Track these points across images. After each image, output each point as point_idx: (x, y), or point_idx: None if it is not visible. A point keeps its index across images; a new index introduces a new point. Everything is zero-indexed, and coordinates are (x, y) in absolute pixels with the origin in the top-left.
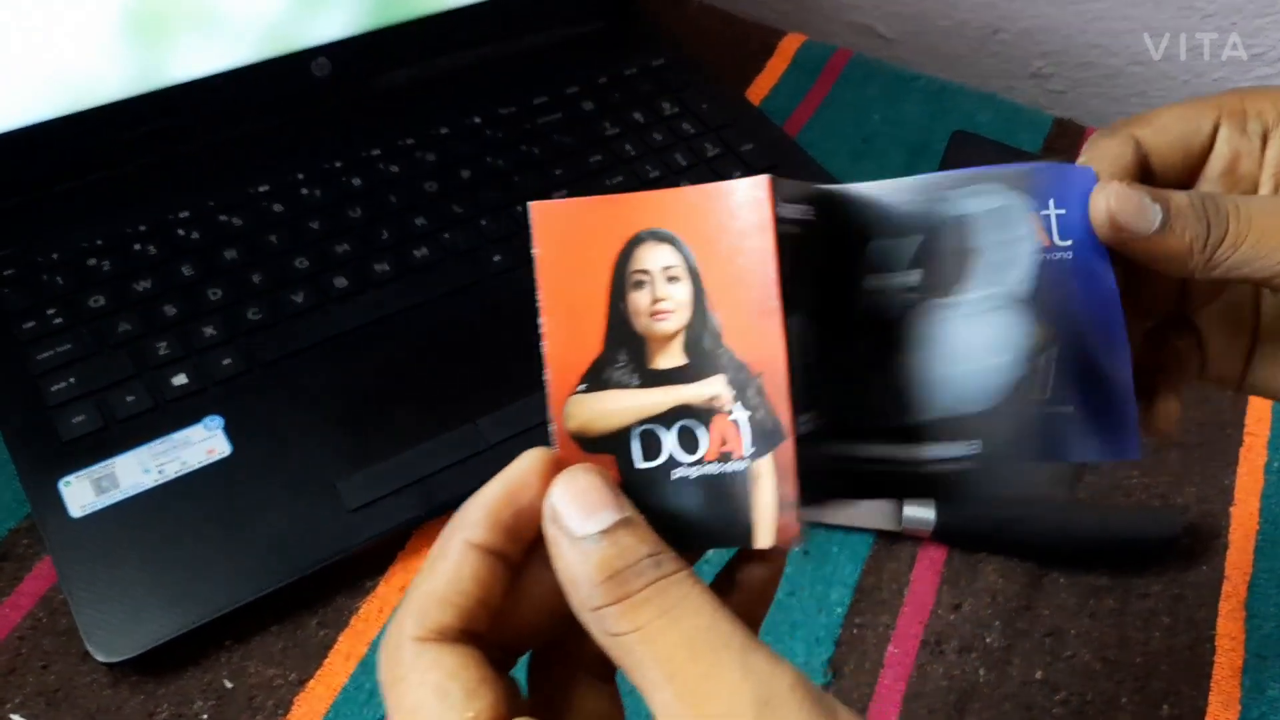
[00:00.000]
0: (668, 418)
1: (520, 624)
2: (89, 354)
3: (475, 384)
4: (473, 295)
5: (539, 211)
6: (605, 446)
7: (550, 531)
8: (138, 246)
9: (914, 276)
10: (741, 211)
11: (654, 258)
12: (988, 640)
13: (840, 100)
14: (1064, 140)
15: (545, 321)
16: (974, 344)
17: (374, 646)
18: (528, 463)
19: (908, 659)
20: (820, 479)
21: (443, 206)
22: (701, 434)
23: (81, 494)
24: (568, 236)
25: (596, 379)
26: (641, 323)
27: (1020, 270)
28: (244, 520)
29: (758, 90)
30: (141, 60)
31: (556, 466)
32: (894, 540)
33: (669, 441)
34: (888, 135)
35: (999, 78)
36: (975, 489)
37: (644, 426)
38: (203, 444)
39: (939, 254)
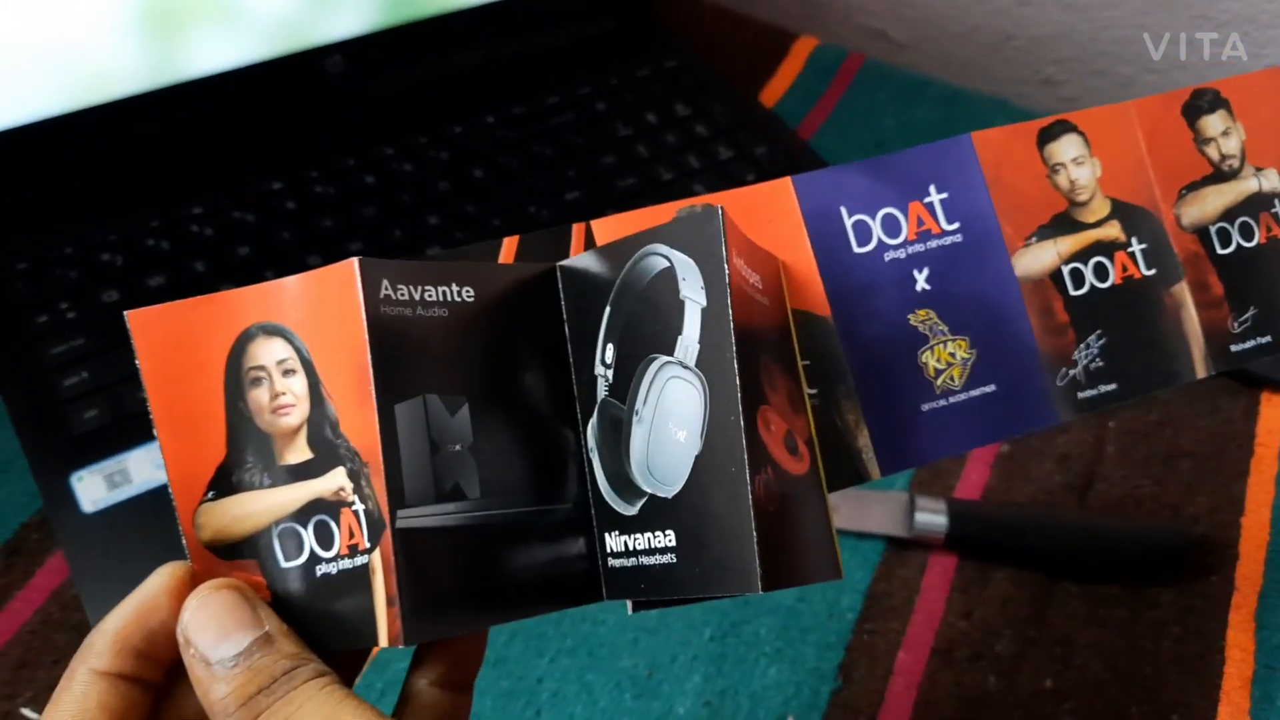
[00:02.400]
0: (304, 514)
1: None
2: (102, 348)
3: None
4: None
5: (136, 320)
6: (246, 552)
7: (186, 657)
8: (151, 242)
9: (609, 352)
10: (337, 298)
11: (267, 352)
12: (998, 648)
13: (853, 104)
14: None
15: (160, 434)
16: (663, 418)
17: None
18: (158, 581)
19: (918, 666)
20: (469, 574)
21: (455, 206)
22: (334, 527)
23: (94, 489)
24: (172, 342)
25: (225, 484)
26: (265, 419)
27: (690, 335)
28: None
29: (771, 93)
30: (155, 56)
31: (192, 581)
32: (905, 547)
33: (308, 538)
34: (901, 140)
35: (1011, 83)
36: (671, 589)
37: (283, 525)
38: None
39: (624, 327)
